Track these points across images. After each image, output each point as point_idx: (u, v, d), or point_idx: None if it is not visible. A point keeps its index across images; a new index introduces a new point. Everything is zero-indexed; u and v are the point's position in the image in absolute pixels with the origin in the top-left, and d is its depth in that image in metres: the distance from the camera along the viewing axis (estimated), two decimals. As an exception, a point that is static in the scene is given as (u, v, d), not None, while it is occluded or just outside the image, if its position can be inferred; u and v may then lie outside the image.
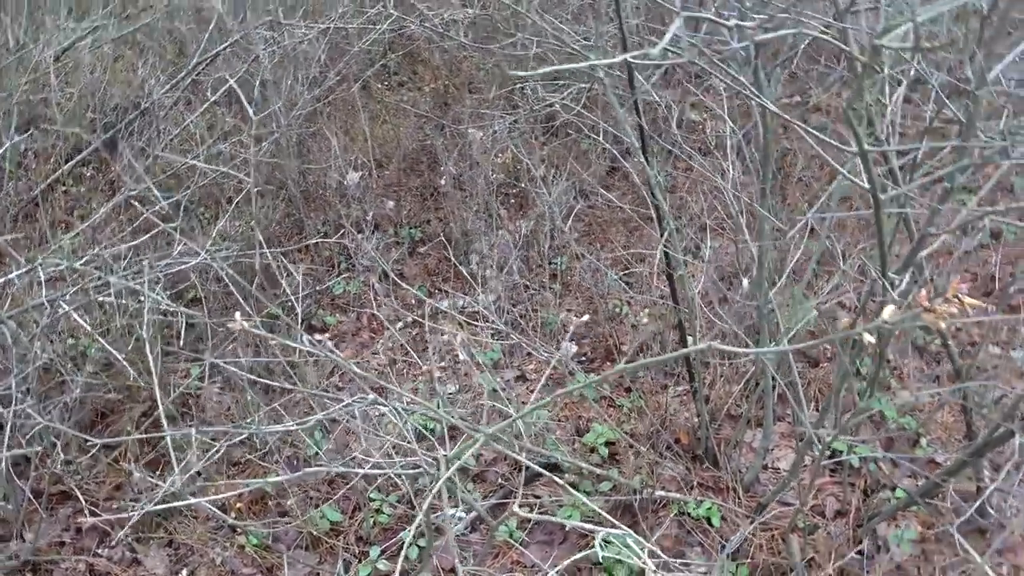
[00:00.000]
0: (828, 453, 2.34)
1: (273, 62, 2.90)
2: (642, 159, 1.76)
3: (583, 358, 2.84)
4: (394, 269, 3.17)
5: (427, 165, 3.30)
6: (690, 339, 2.73)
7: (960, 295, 0.79)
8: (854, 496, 2.21)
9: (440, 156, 3.08)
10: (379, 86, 3.80)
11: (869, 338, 0.85)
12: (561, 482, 1.59)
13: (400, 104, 3.34)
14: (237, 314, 1.70)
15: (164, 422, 1.62)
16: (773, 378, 2.36)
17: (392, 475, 1.77)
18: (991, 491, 2.17)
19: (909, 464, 2.33)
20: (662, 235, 1.88)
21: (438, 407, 1.89)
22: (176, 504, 1.97)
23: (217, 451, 1.46)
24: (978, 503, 1.95)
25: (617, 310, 2.92)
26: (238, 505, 2.33)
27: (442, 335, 2.77)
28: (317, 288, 2.87)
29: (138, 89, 3.52)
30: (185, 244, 2.01)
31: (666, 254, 1.93)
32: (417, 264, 3.22)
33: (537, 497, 2.28)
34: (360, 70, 3.48)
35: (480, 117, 3.25)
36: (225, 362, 2.27)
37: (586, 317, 2.49)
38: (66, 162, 3.37)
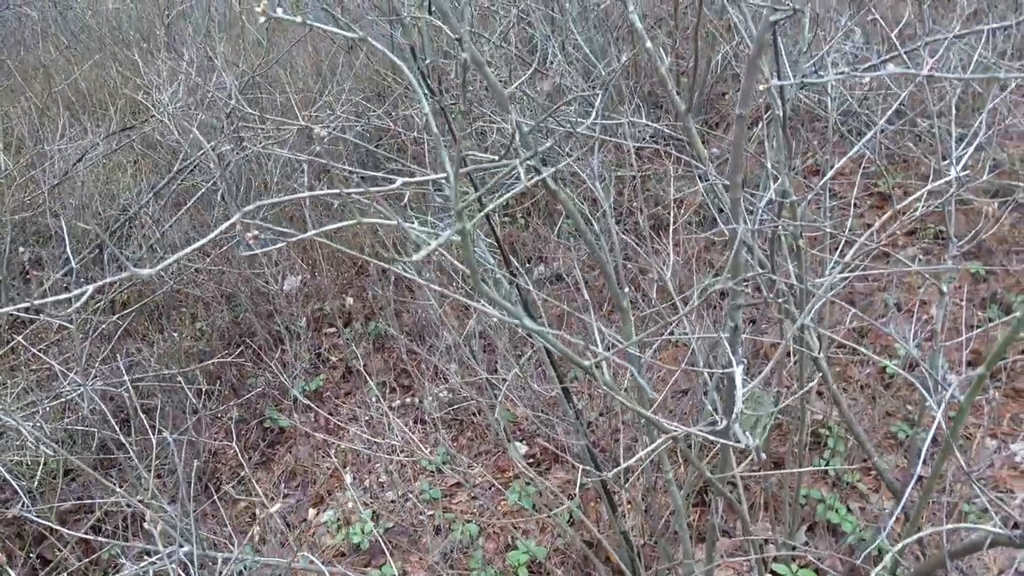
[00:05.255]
0: (769, 577, 2.13)
1: (227, 172, 2.98)
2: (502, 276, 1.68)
3: (531, 459, 2.71)
4: (352, 366, 3.16)
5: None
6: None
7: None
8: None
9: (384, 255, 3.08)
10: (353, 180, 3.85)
11: None
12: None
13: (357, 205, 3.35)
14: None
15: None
16: (706, 491, 2.17)
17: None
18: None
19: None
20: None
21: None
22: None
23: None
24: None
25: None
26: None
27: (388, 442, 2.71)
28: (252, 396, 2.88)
29: (128, 197, 3.71)
30: (68, 376, 2.05)
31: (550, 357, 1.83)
32: (380, 358, 3.19)
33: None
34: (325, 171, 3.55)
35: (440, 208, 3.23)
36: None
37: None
38: (64, 268, 3.56)
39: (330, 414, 2.97)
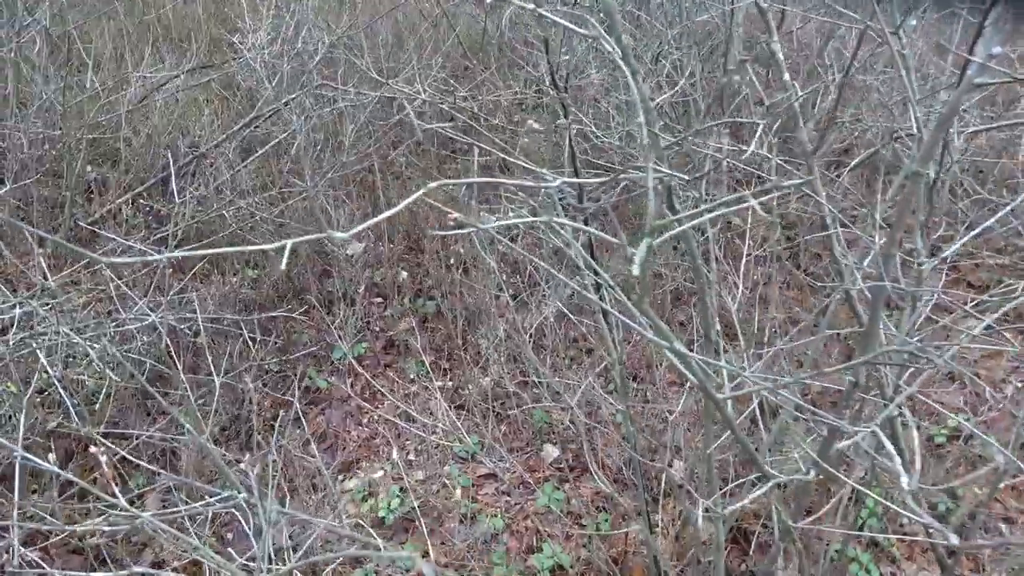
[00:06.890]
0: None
1: (308, 127, 2.99)
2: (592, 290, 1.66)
3: (562, 465, 2.70)
4: (401, 339, 3.16)
5: (442, 240, 3.30)
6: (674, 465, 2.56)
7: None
8: None
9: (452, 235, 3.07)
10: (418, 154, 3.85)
11: None
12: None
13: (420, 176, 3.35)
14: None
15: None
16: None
17: None
18: None
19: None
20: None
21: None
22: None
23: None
24: None
25: (612, 417, 2.76)
26: None
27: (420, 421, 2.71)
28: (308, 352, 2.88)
29: (201, 133, 3.72)
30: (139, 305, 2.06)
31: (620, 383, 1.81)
32: (425, 336, 3.19)
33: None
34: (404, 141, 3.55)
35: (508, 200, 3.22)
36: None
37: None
38: (127, 193, 3.60)
39: (368, 381, 2.98)
